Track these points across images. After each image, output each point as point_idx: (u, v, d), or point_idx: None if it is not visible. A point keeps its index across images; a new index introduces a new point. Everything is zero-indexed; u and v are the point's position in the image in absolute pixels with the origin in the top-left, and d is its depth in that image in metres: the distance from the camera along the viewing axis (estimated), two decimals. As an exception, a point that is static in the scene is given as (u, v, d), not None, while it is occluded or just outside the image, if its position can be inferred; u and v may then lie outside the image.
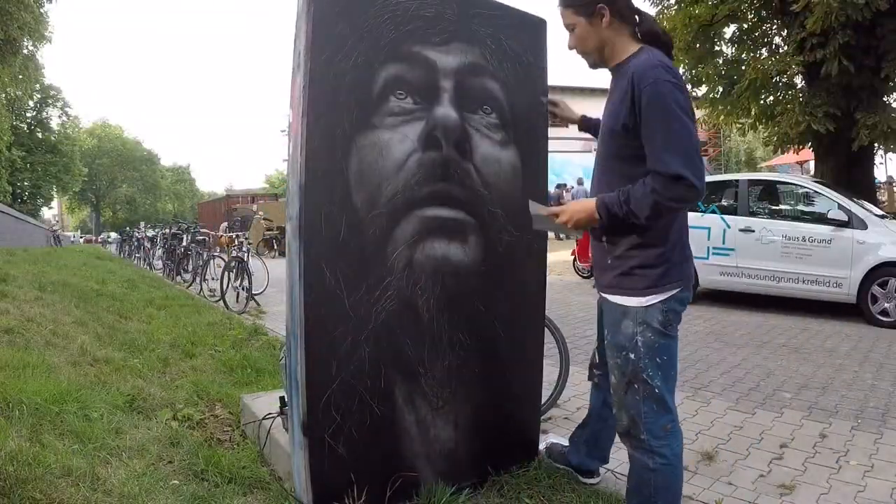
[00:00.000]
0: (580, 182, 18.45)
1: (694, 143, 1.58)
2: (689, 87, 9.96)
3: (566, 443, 2.46)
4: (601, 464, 2.33)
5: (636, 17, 1.74)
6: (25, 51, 22.25)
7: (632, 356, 1.73)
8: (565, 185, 19.18)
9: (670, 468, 1.76)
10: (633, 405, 1.76)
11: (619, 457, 2.72)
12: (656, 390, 1.73)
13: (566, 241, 13.39)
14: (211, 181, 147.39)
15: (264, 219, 16.44)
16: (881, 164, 16.90)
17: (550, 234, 15.61)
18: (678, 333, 1.79)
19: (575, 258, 9.64)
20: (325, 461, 1.90)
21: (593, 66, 1.82)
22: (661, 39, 1.75)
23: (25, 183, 37.30)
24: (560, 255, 11.01)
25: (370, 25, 1.92)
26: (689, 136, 1.56)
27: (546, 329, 2.72)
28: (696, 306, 6.94)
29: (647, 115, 1.58)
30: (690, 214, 7.06)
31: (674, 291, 1.71)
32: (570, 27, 1.77)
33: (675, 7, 9.75)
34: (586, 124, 2.30)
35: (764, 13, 9.31)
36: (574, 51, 1.81)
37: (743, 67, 9.08)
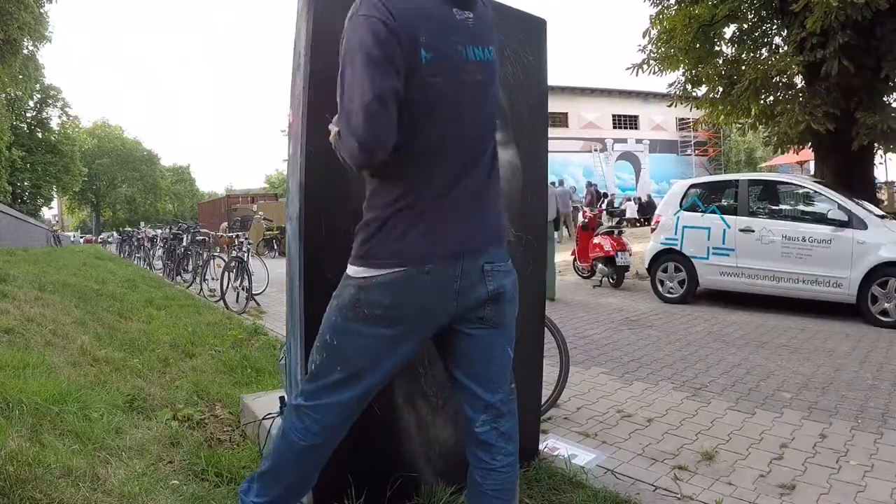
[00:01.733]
0: (560, 182, 18.15)
1: (357, 96, 1.26)
2: (689, 87, 9.99)
3: (566, 443, 2.46)
4: None
5: None
6: (25, 51, 22.27)
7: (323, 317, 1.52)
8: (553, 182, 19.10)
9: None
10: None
11: (619, 457, 2.73)
12: (312, 364, 1.51)
13: (566, 242, 13.40)
14: (211, 181, 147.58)
15: (264, 219, 16.46)
16: (881, 164, 16.91)
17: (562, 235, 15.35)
18: (398, 332, 1.42)
19: (575, 258, 9.64)
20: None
21: None
22: None
23: (25, 183, 37.29)
24: (560, 256, 11.02)
25: (370, 25, 1.92)
26: (351, 87, 1.27)
27: (546, 329, 2.72)
28: (696, 306, 6.95)
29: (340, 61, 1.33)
30: (691, 214, 7.01)
31: (376, 273, 1.38)
32: None
33: (675, 7, 9.74)
34: None
35: (764, 13, 9.32)
36: None
37: (743, 67, 9.09)
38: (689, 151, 33.18)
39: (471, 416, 1.52)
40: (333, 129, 1.38)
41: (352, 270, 1.45)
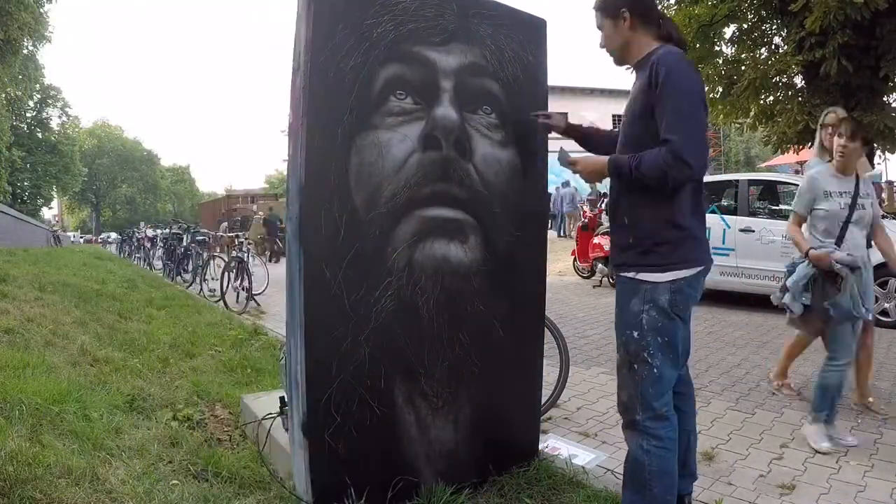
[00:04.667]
0: (566, 184, 18.26)
1: (700, 126, 1.69)
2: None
3: (566, 443, 2.46)
4: (692, 480, 2.13)
5: (659, 20, 1.88)
6: (25, 51, 22.28)
7: (635, 334, 1.79)
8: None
9: (665, 451, 1.78)
10: (633, 384, 1.81)
11: (619, 457, 2.72)
12: (655, 370, 1.78)
13: (566, 242, 13.41)
14: (211, 181, 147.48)
15: (265, 217, 16.44)
16: (881, 163, 16.90)
17: (551, 234, 15.47)
18: (690, 319, 1.85)
19: (575, 258, 9.64)
20: (325, 461, 1.89)
21: (618, 63, 1.95)
22: (675, 40, 1.87)
23: (25, 183, 37.29)
24: (560, 255, 11.02)
25: (370, 25, 1.92)
26: (695, 118, 1.68)
27: (546, 329, 2.72)
28: (696, 306, 6.92)
29: (663, 91, 1.68)
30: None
31: (685, 273, 1.77)
32: (600, 27, 1.93)
33: (675, 7, 9.75)
34: (574, 131, 2.25)
35: (763, 13, 9.32)
36: (604, 49, 1.96)
37: (742, 67, 9.08)
38: (688, 151, 33.18)
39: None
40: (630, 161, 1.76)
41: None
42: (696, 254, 1.82)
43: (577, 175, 1.99)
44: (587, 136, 2.25)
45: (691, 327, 1.96)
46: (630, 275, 1.83)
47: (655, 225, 1.80)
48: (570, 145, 2.20)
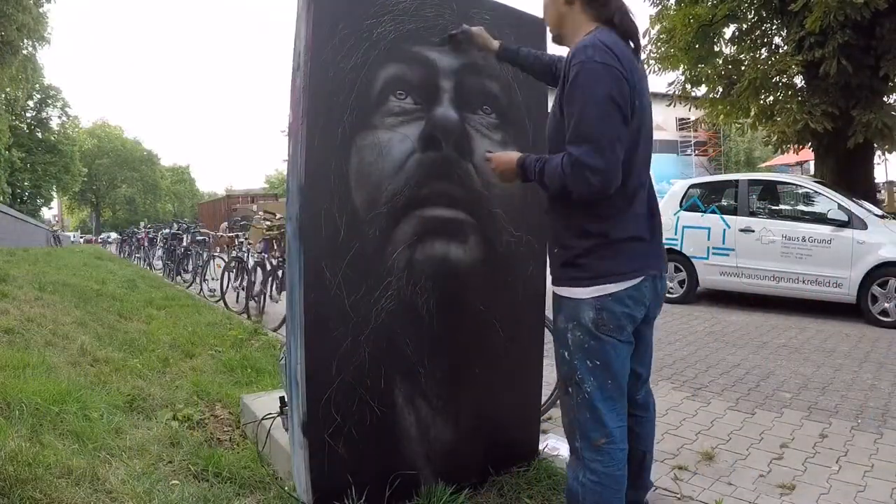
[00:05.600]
0: None
1: (609, 136, 1.47)
2: (688, 87, 9.98)
3: (566, 443, 2.45)
4: (646, 493, 2.01)
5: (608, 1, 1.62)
6: (25, 52, 22.26)
7: (566, 354, 1.64)
8: None
9: (600, 488, 1.60)
10: (570, 408, 1.67)
11: (619, 457, 2.72)
12: (586, 396, 1.61)
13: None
14: (211, 181, 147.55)
15: (265, 212, 16.30)
16: (880, 163, 16.92)
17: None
18: (627, 337, 1.64)
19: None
20: (325, 461, 1.89)
21: (556, 42, 1.77)
22: (618, 26, 1.60)
23: (25, 183, 37.31)
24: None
25: (370, 25, 1.92)
26: (602, 125, 1.46)
27: (546, 329, 2.72)
28: (696, 306, 6.95)
29: (571, 93, 1.51)
30: (691, 214, 7.02)
31: (611, 288, 1.57)
32: None
33: (675, 7, 9.74)
34: (505, 54, 2.05)
35: (763, 13, 9.32)
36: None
37: (742, 67, 9.08)
38: (689, 151, 33.15)
39: (633, 390, 1.81)
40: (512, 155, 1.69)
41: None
42: (630, 264, 1.60)
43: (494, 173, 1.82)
44: (514, 58, 2.05)
45: (653, 335, 1.87)
46: (556, 289, 1.68)
47: (571, 233, 1.63)
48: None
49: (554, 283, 1.70)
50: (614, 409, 1.63)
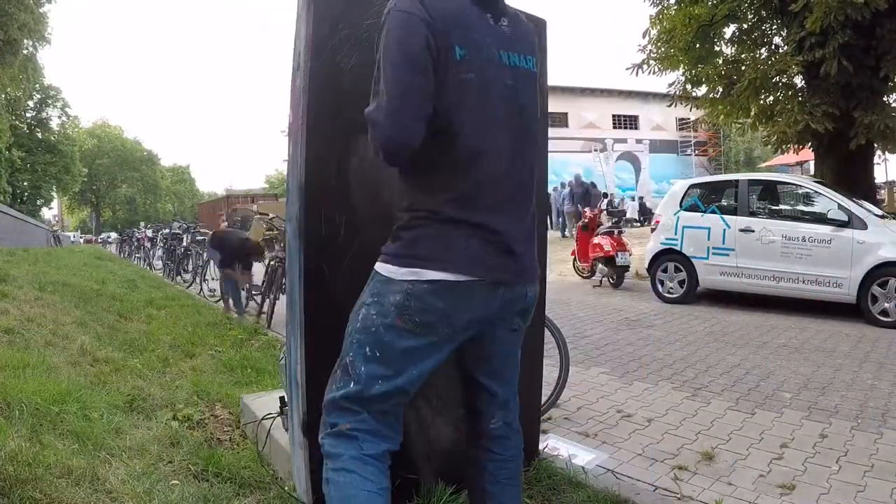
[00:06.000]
0: (564, 185, 18.54)
1: (390, 83, 1.29)
2: (688, 87, 9.98)
3: (566, 443, 2.45)
4: None
5: None
6: (25, 51, 22.27)
7: (350, 328, 1.44)
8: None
9: (346, 475, 1.38)
10: (331, 385, 1.47)
11: (619, 457, 2.73)
12: (351, 384, 1.40)
13: (566, 241, 13.40)
14: (211, 181, 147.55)
15: (259, 213, 16.30)
16: (881, 163, 16.91)
17: (553, 234, 15.50)
18: (433, 340, 1.37)
19: (575, 258, 9.64)
20: (325, 461, 1.89)
21: None
22: None
23: (25, 183, 37.29)
24: (560, 255, 11.02)
25: (370, 25, 1.92)
26: (387, 75, 1.30)
27: (546, 329, 2.72)
28: (696, 306, 6.95)
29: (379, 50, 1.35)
30: (690, 215, 7.01)
31: (430, 275, 1.32)
32: None
33: (675, 7, 9.74)
34: None
35: (763, 13, 9.32)
36: None
37: (743, 67, 9.09)
38: (689, 151, 33.16)
39: (485, 414, 1.57)
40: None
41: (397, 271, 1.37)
42: (452, 255, 1.33)
43: None
44: None
45: (519, 343, 1.58)
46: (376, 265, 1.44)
47: (402, 203, 1.42)
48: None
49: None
50: (369, 408, 1.41)
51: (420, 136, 1.31)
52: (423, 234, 1.36)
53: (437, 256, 1.33)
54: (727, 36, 9.98)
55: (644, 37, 9.97)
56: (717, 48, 10.00)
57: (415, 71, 1.28)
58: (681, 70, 10.12)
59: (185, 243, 10.84)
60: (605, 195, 17.69)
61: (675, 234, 7.23)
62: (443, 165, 1.36)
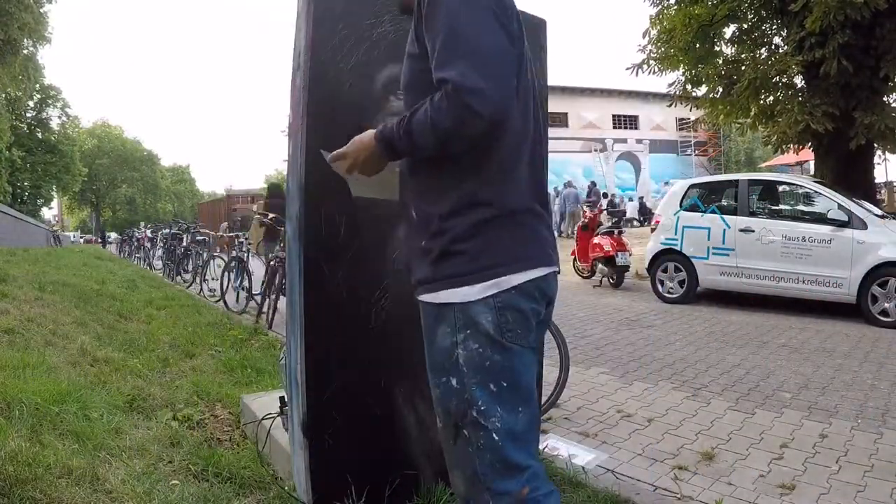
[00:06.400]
0: (567, 185, 18.60)
1: (489, 44, 1.09)
2: (688, 87, 10.00)
3: (566, 443, 2.45)
4: None
5: None
6: (25, 51, 22.29)
7: (453, 382, 1.19)
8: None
9: None
10: (468, 460, 1.19)
11: (619, 457, 2.73)
12: (494, 436, 1.15)
13: (566, 241, 13.40)
14: (211, 181, 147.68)
15: (259, 213, 16.27)
16: (881, 163, 16.91)
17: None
18: (534, 341, 1.24)
19: (575, 258, 9.64)
20: (325, 461, 1.89)
21: (402, 11, 1.46)
22: None
23: (25, 183, 37.29)
24: (560, 255, 11.02)
25: (370, 25, 1.92)
26: (483, 35, 1.09)
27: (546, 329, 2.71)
28: (696, 306, 6.95)
29: (431, 11, 1.13)
30: (691, 214, 7.00)
31: (517, 278, 1.17)
32: None
33: (675, 7, 9.75)
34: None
35: (763, 13, 9.33)
36: None
37: (743, 67, 9.09)
38: (689, 151, 33.16)
39: None
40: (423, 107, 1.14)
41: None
42: (534, 248, 1.22)
43: (354, 174, 1.34)
44: None
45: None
46: (427, 298, 1.23)
47: (445, 208, 1.19)
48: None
49: (422, 291, 1.24)
50: (530, 434, 1.22)
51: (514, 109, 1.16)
52: (493, 237, 1.17)
53: (515, 257, 1.19)
54: (727, 36, 9.99)
55: (644, 37, 9.98)
56: (717, 48, 10.01)
57: (508, 41, 1.14)
58: (681, 70, 10.13)
59: (185, 243, 10.84)
60: (605, 195, 17.78)
61: (675, 234, 7.23)
62: (502, 152, 1.19)
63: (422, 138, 1.14)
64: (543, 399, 2.76)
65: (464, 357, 1.17)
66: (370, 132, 1.26)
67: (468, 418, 1.17)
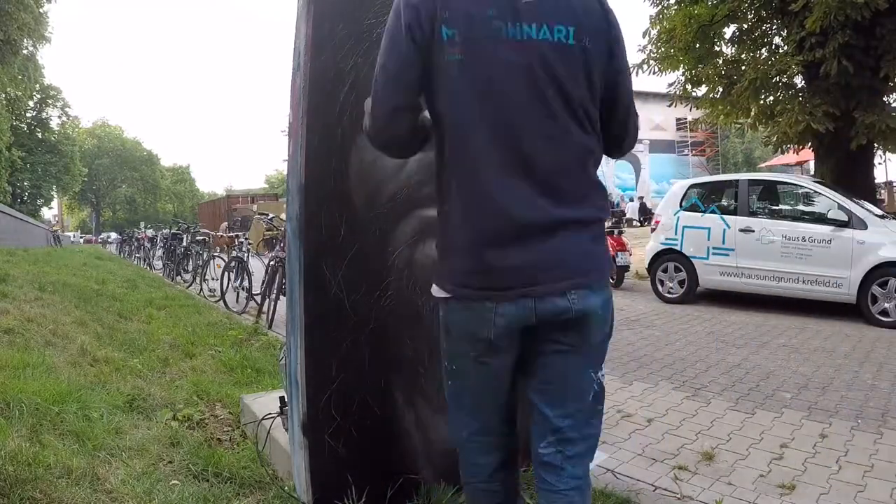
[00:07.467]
0: None
1: (379, 78, 1.25)
2: (688, 87, 9.98)
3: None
4: None
5: None
6: (25, 51, 22.30)
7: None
8: None
9: None
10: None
11: (619, 457, 2.73)
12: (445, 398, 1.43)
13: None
14: (211, 181, 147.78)
15: (259, 213, 16.30)
16: (881, 163, 16.91)
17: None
18: (482, 357, 1.29)
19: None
20: (325, 461, 1.89)
21: None
22: None
23: (25, 183, 37.30)
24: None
25: (370, 25, 1.92)
26: (380, 68, 1.25)
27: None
28: (696, 306, 6.95)
29: None
30: (691, 214, 7.00)
31: (440, 293, 1.30)
32: None
33: (675, 7, 9.74)
34: None
35: (764, 13, 9.32)
36: None
37: (743, 67, 9.09)
38: (685, 151, 33.18)
39: (537, 437, 1.40)
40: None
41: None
42: (456, 277, 1.26)
43: None
44: None
45: (580, 367, 1.40)
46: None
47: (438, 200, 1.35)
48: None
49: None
50: (478, 435, 1.46)
51: (404, 127, 1.28)
52: (441, 247, 1.32)
53: (444, 277, 1.30)
54: (727, 36, 9.98)
55: (644, 37, 9.97)
56: (717, 48, 10.00)
57: (399, 56, 1.22)
58: (681, 70, 10.12)
59: (185, 243, 10.85)
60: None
61: (675, 234, 7.23)
62: (440, 170, 1.29)
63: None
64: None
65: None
66: None
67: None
